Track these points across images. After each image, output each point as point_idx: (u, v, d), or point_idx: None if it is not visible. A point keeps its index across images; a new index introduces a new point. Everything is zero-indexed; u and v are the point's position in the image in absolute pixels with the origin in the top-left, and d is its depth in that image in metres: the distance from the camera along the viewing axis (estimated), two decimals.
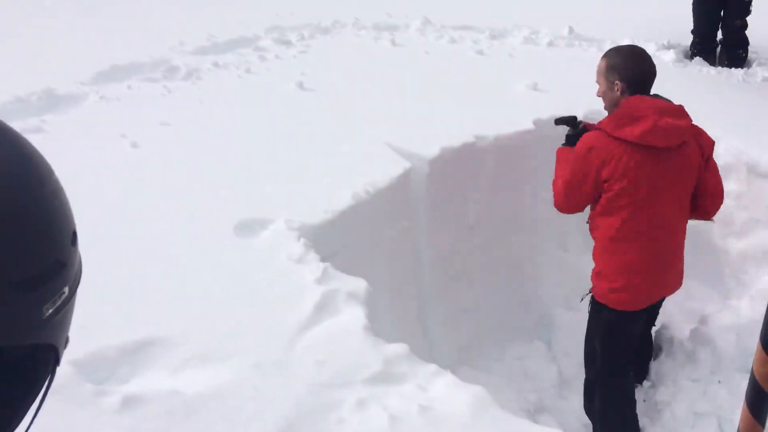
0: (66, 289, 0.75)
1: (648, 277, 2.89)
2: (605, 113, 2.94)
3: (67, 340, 0.81)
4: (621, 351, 3.06)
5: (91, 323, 2.28)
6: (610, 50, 2.98)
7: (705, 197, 2.94)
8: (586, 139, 2.85)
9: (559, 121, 3.21)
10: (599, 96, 2.96)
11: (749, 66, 5.49)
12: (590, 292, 3.03)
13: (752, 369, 1.68)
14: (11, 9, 6.46)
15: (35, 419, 0.81)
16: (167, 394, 2.03)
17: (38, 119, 3.90)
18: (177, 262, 2.68)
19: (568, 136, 3.15)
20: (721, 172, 3.77)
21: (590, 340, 3.11)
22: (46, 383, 0.80)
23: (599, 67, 2.93)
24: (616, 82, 2.83)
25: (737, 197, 3.72)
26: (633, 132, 2.69)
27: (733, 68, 5.40)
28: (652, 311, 3.15)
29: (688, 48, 5.77)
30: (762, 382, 1.63)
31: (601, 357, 3.05)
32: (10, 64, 4.85)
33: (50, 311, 0.73)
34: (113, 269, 2.60)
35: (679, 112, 2.80)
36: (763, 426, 1.71)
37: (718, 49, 5.73)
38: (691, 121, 2.83)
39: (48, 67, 4.78)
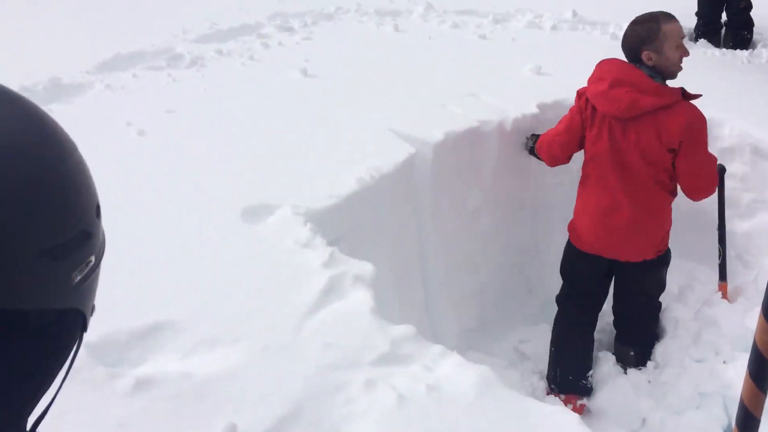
0: (92, 258, 0.80)
1: (592, 226, 3.22)
2: None
3: (93, 308, 0.86)
4: (571, 281, 3.46)
5: (102, 308, 2.28)
6: (643, 17, 3.13)
7: (679, 178, 3.11)
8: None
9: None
10: None
11: (754, 47, 5.47)
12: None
13: (755, 338, 1.70)
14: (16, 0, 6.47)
15: (65, 381, 0.85)
16: (177, 376, 2.06)
17: (44, 108, 3.89)
18: (184, 247, 2.71)
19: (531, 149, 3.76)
20: (725, 154, 3.80)
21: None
22: (75, 349, 0.84)
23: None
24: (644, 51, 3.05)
25: (742, 179, 3.72)
26: (590, 91, 3.06)
27: (737, 50, 5.38)
28: (618, 272, 3.34)
29: (692, 30, 5.75)
30: (764, 351, 1.65)
31: (562, 283, 3.52)
32: (15, 54, 4.87)
33: (78, 278, 0.77)
34: (122, 255, 2.63)
35: (648, 87, 2.89)
36: (765, 394, 1.74)
37: (723, 30, 5.70)
38: (668, 103, 2.90)
39: (53, 56, 4.80)
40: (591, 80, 3.10)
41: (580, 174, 3.32)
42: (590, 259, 3.31)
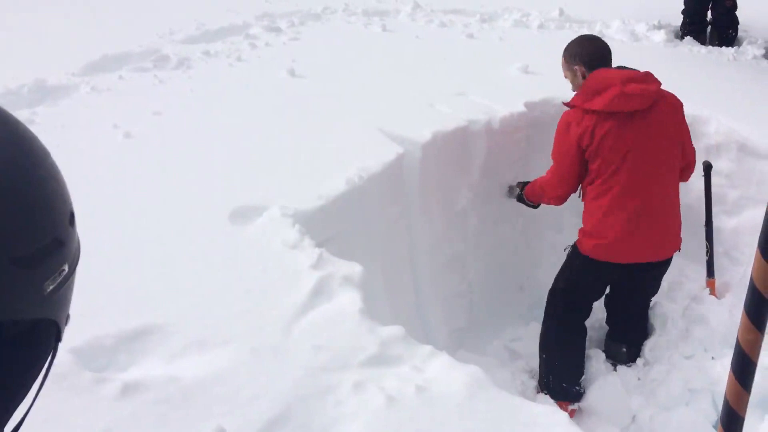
0: (66, 267, 0.78)
1: (627, 234, 3.08)
2: None
3: (68, 318, 0.84)
4: (581, 294, 3.35)
5: (88, 312, 2.29)
6: (567, 45, 3.26)
7: (685, 155, 3.18)
8: (563, 117, 3.12)
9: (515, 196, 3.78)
10: (574, 91, 3.21)
11: (739, 45, 5.50)
12: (573, 247, 3.33)
13: (737, 337, 1.71)
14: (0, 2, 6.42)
15: (39, 395, 0.83)
16: (165, 380, 2.04)
17: (29, 111, 3.88)
18: (172, 250, 2.69)
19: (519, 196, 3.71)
20: (712, 151, 3.83)
21: (556, 282, 3.41)
22: (49, 359, 0.83)
23: (562, 64, 3.26)
24: (576, 67, 3.14)
25: (728, 176, 3.74)
26: (602, 101, 2.93)
27: (723, 47, 5.41)
28: (642, 275, 3.27)
29: (679, 28, 5.78)
30: (747, 349, 1.66)
31: (561, 294, 3.35)
32: (0, 56, 4.83)
33: (51, 287, 0.76)
34: (108, 258, 2.61)
35: (646, 77, 3.03)
36: (749, 392, 1.74)
37: (708, 29, 5.73)
38: (660, 85, 3.04)
39: (38, 58, 4.76)
40: (587, 96, 3.00)
41: (588, 191, 3.18)
42: (616, 269, 3.19)
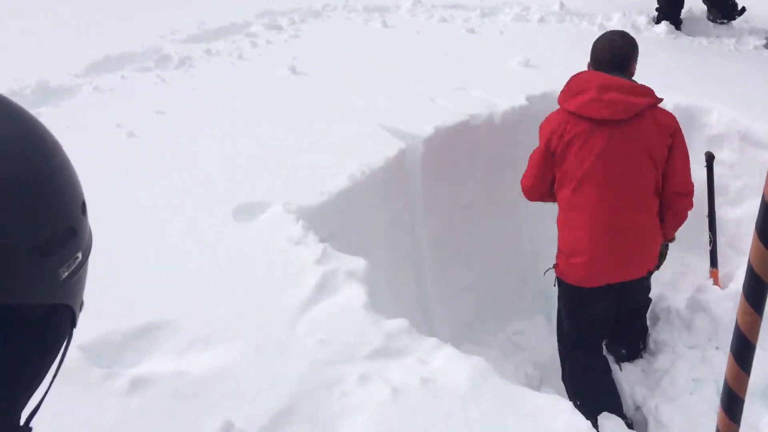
0: (79, 254, 0.82)
1: (595, 255, 2.88)
2: None
3: (82, 304, 0.88)
4: (581, 325, 3.12)
5: (96, 309, 2.29)
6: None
7: (672, 175, 2.89)
8: (544, 120, 3.01)
9: None
10: None
11: (741, 34, 5.48)
12: (553, 267, 3.11)
13: (736, 319, 1.72)
14: (1, 3, 6.44)
15: (54, 381, 0.87)
16: (173, 376, 2.07)
17: (33, 112, 3.82)
18: (177, 247, 2.71)
19: None
20: (714, 141, 3.83)
21: (558, 312, 3.26)
22: (65, 344, 0.86)
23: None
24: (588, 62, 3.03)
25: (731, 166, 3.74)
26: (575, 103, 2.81)
27: (728, 21, 5.37)
28: (621, 294, 3.08)
29: (655, 11, 5.72)
30: (746, 332, 1.68)
31: (566, 328, 3.18)
32: (3, 58, 4.86)
33: (66, 274, 0.79)
34: (114, 257, 2.64)
35: (634, 89, 2.80)
36: (749, 374, 1.76)
37: (706, 11, 5.67)
38: (655, 101, 2.84)
39: (41, 59, 4.78)
40: (567, 96, 2.86)
41: (559, 209, 3.01)
42: (600, 292, 2.97)
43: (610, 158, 2.79)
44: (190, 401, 1.97)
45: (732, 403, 1.79)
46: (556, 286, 3.14)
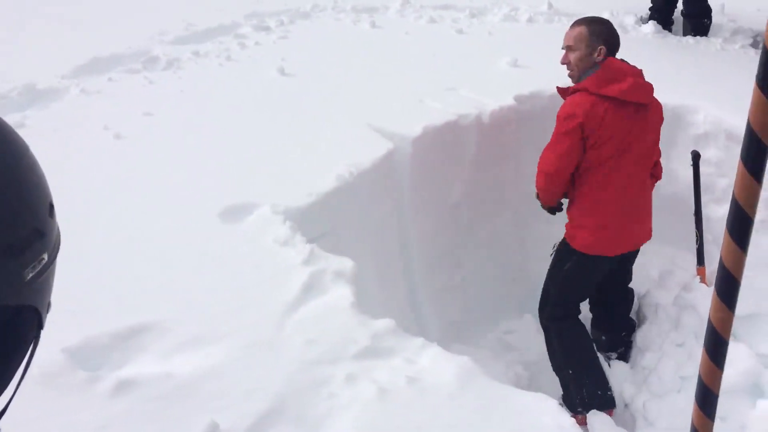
0: (45, 256, 0.81)
1: (620, 226, 3.13)
2: None
3: (49, 306, 0.87)
4: (584, 294, 3.38)
5: (82, 311, 2.31)
6: (587, 19, 3.14)
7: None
8: (573, 100, 3.01)
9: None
10: (570, 62, 3.10)
11: (728, 34, 5.51)
12: (562, 243, 3.28)
13: (709, 316, 1.74)
14: None
15: (21, 383, 0.86)
16: (159, 377, 2.06)
17: (20, 115, 3.89)
18: (165, 249, 2.71)
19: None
20: (700, 140, 3.86)
21: (546, 291, 3.37)
22: (31, 347, 0.85)
23: (579, 33, 3.06)
24: (601, 47, 3.03)
25: (717, 164, 3.77)
26: (620, 88, 2.94)
27: (698, 36, 5.41)
28: (625, 263, 3.38)
29: (648, 12, 5.76)
30: (719, 328, 1.69)
31: (554, 300, 3.32)
32: None
33: (31, 275, 0.79)
34: (102, 258, 2.63)
35: (643, 75, 3.09)
36: (722, 370, 1.77)
37: (682, 21, 5.72)
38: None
39: (27, 62, 4.76)
40: (602, 82, 2.95)
41: (585, 181, 3.09)
42: (608, 262, 3.22)
43: (641, 140, 3.06)
44: (176, 403, 1.97)
45: (706, 400, 1.80)
46: (558, 259, 3.29)
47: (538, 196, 3.30)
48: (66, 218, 2.98)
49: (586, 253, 3.16)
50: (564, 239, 3.27)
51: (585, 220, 3.14)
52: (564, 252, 3.26)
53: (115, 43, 5.10)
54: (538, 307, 3.44)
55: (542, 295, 3.41)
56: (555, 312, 3.33)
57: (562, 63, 3.15)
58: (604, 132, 2.96)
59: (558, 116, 3.05)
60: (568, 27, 3.16)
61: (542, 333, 3.43)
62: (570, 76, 3.16)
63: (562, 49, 3.16)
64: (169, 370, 2.10)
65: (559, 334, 3.32)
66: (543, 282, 3.40)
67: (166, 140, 3.64)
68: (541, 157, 3.13)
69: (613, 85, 2.94)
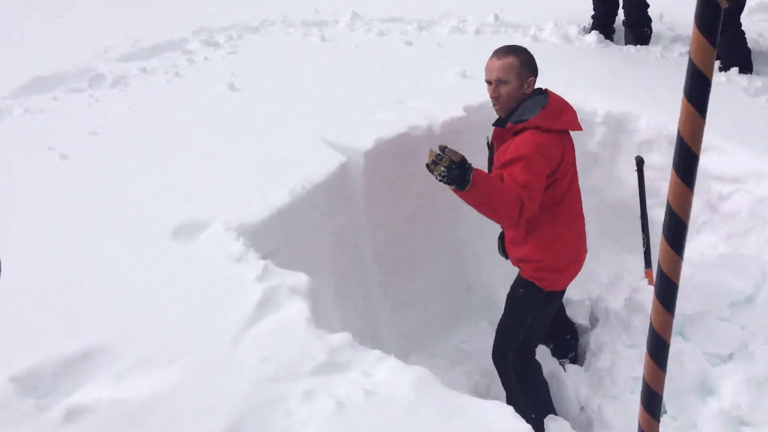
0: None
1: (582, 252, 3.12)
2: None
3: None
4: (543, 332, 3.24)
5: (29, 337, 2.25)
6: (511, 48, 2.89)
7: None
8: (532, 140, 2.73)
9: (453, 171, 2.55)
10: (500, 95, 2.84)
11: (667, 42, 5.70)
12: (524, 289, 3.03)
13: (650, 318, 1.79)
14: None
15: None
16: (111, 403, 2.02)
17: None
18: (114, 269, 2.65)
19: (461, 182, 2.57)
20: (644, 146, 3.98)
21: (510, 331, 3.12)
22: None
23: (509, 65, 2.81)
24: (531, 78, 2.86)
25: (660, 169, 3.88)
26: (569, 119, 2.88)
27: (639, 46, 5.59)
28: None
29: (590, 22, 5.93)
30: (660, 330, 1.74)
31: (520, 344, 3.10)
32: None
33: None
34: (48, 281, 2.57)
35: None
36: (664, 371, 1.82)
37: (624, 30, 5.90)
38: None
39: None
40: (552, 116, 2.80)
41: (544, 218, 2.90)
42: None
43: (575, 168, 3.00)
44: (128, 429, 1.93)
45: (651, 401, 1.85)
46: (522, 300, 3.05)
47: (473, 178, 2.58)
48: (9, 241, 2.89)
49: (557, 290, 3.08)
50: (526, 283, 3.03)
51: (552, 260, 2.97)
52: (530, 296, 3.04)
53: (59, 61, 5.00)
54: (493, 352, 3.21)
55: (502, 342, 3.16)
56: (520, 357, 3.13)
57: (493, 97, 2.88)
58: (564, 167, 2.85)
59: (528, 151, 2.72)
60: (490, 58, 2.90)
61: None
62: (498, 110, 2.91)
63: (487, 81, 2.89)
64: (121, 395, 2.06)
65: (522, 382, 3.15)
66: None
67: (114, 159, 3.57)
68: (520, 190, 2.66)
69: (560, 117, 2.83)
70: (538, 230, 2.93)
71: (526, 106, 2.85)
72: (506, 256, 3.22)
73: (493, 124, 3.00)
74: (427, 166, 2.54)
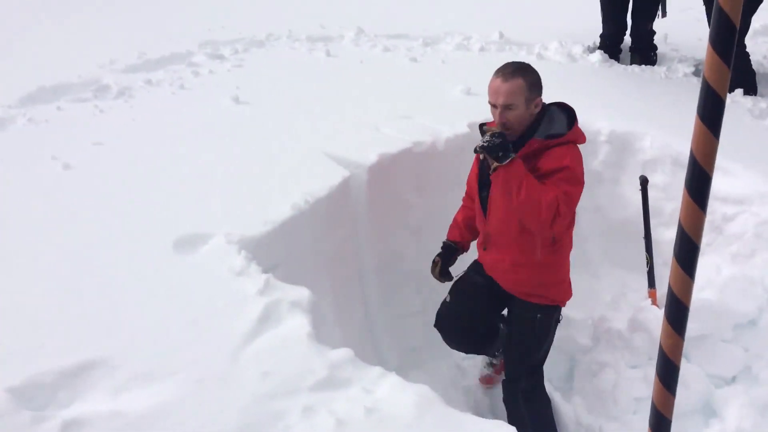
0: None
1: None
2: None
3: None
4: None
5: (28, 348, 2.23)
6: (516, 67, 2.73)
7: None
8: (574, 154, 2.74)
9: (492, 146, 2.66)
10: (508, 121, 2.71)
11: (672, 63, 5.72)
12: (545, 312, 3.01)
13: (660, 342, 1.77)
14: None
15: None
16: (109, 416, 1.99)
17: None
18: (115, 281, 2.64)
19: (502, 154, 2.64)
20: (648, 166, 3.97)
21: (529, 356, 3.09)
22: None
23: (518, 87, 2.66)
24: (539, 98, 2.76)
25: (664, 189, 3.87)
26: (583, 134, 2.86)
27: (643, 66, 5.64)
28: None
29: (595, 44, 5.98)
30: (670, 354, 1.72)
31: (533, 368, 3.12)
32: None
33: None
34: (48, 291, 2.55)
35: None
36: (674, 395, 1.80)
37: (629, 54, 5.94)
38: None
39: None
40: (581, 131, 2.84)
41: (566, 245, 2.98)
42: None
43: None
44: None
45: (660, 425, 1.83)
46: (546, 320, 3.04)
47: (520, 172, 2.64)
48: (10, 251, 2.88)
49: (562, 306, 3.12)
50: (541, 307, 3.00)
51: (564, 274, 3.04)
52: (549, 317, 3.04)
53: (64, 71, 5.02)
54: (505, 378, 3.19)
55: (518, 368, 3.13)
56: (532, 378, 3.12)
57: (500, 123, 2.73)
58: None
59: (574, 164, 2.71)
60: (494, 79, 2.72)
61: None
62: (509, 135, 2.71)
63: (492, 104, 2.74)
64: (119, 408, 2.03)
65: (531, 402, 3.13)
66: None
67: (117, 170, 3.57)
68: (566, 200, 2.64)
69: (582, 134, 2.85)
70: (562, 251, 2.95)
71: (549, 120, 2.77)
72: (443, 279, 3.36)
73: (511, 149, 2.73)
74: (476, 147, 2.73)
